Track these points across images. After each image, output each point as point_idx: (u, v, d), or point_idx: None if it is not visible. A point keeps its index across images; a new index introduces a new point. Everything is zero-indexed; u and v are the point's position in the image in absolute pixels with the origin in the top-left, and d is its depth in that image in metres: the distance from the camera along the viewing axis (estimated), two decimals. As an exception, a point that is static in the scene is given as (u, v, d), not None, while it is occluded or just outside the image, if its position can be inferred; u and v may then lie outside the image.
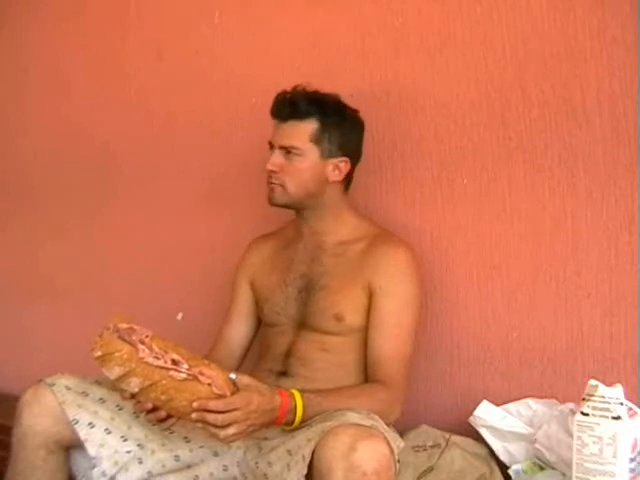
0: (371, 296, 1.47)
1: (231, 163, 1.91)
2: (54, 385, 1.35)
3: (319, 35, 1.78)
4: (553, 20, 1.50)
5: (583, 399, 1.26)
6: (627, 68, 1.43)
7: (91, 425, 1.34)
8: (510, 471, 1.43)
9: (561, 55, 1.50)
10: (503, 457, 1.46)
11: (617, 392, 1.24)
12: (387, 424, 1.33)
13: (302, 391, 1.30)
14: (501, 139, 1.57)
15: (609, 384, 1.26)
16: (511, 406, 1.50)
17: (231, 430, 1.20)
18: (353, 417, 1.24)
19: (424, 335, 1.65)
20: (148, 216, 2.09)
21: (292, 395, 1.28)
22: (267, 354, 1.54)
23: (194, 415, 1.20)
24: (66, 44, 2.22)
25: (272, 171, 1.49)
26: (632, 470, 1.22)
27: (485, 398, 1.51)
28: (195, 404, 1.19)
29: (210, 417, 1.19)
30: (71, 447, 1.38)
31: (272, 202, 1.52)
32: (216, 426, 1.20)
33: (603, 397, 1.23)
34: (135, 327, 1.25)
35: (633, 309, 1.45)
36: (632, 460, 1.22)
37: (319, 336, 1.48)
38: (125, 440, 1.36)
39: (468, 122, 1.60)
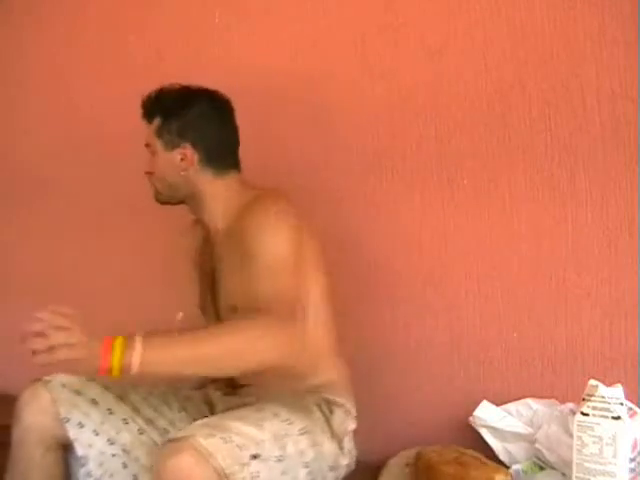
0: None
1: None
2: (50, 382, 1.38)
3: (319, 35, 1.78)
4: (553, 20, 1.51)
5: (583, 399, 1.26)
6: (627, 68, 1.43)
7: (80, 425, 1.37)
8: (510, 471, 1.43)
9: (561, 55, 1.50)
10: (503, 457, 1.46)
11: (617, 392, 1.24)
12: (339, 397, 1.41)
13: (145, 336, 1.20)
14: (501, 139, 1.57)
15: (609, 384, 1.25)
16: (511, 406, 1.50)
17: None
18: (181, 430, 1.21)
19: (424, 335, 1.65)
20: (148, 215, 2.08)
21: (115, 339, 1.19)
22: None
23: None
24: (66, 44, 2.22)
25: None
26: (632, 470, 1.22)
27: (485, 398, 1.52)
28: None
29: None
30: (69, 445, 1.39)
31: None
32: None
33: (603, 397, 1.23)
34: None
35: (633, 309, 1.45)
36: (632, 460, 1.22)
37: None
38: (112, 444, 1.39)
39: (468, 122, 1.60)
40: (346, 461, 1.41)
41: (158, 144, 1.50)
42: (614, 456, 1.21)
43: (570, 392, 1.47)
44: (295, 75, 1.79)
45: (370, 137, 1.69)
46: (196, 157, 1.48)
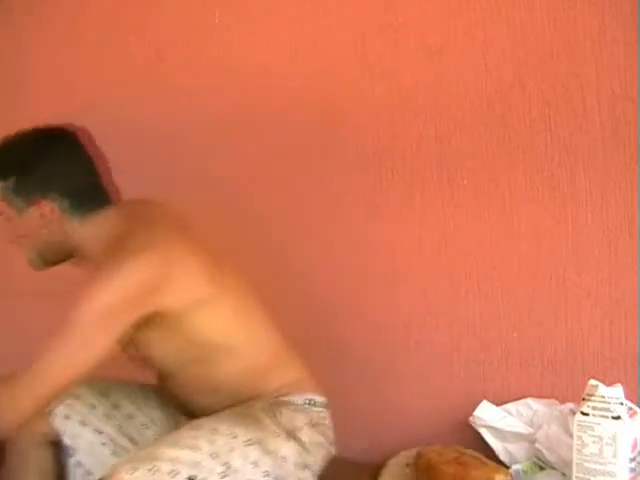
0: None
1: (231, 164, 1.91)
2: None
3: (319, 35, 1.78)
4: (553, 20, 1.51)
5: (583, 399, 1.26)
6: (627, 68, 1.43)
7: (66, 417, 1.40)
8: (510, 471, 1.43)
9: (561, 55, 1.50)
10: (503, 457, 1.47)
11: (617, 392, 1.24)
12: (286, 397, 1.36)
13: None
14: (501, 139, 1.57)
15: (609, 384, 1.26)
16: (511, 406, 1.50)
17: None
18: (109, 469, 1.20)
19: (424, 335, 1.65)
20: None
21: None
22: None
23: None
24: (66, 44, 2.22)
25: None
26: (632, 470, 1.22)
27: (485, 398, 1.52)
28: None
29: None
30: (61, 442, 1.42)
31: None
32: None
33: (603, 397, 1.23)
34: None
35: (633, 309, 1.45)
36: (632, 460, 1.22)
37: None
38: (100, 433, 1.41)
39: (468, 122, 1.60)
40: (313, 457, 1.35)
41: (10, 208, 1.36)
42: (614, 456, 1.21)
43: (570, 392, 1.47)
44: (295, 75, 1.79)
45: (370, 137, 1.69)
46: (57, 209, 1.35)
